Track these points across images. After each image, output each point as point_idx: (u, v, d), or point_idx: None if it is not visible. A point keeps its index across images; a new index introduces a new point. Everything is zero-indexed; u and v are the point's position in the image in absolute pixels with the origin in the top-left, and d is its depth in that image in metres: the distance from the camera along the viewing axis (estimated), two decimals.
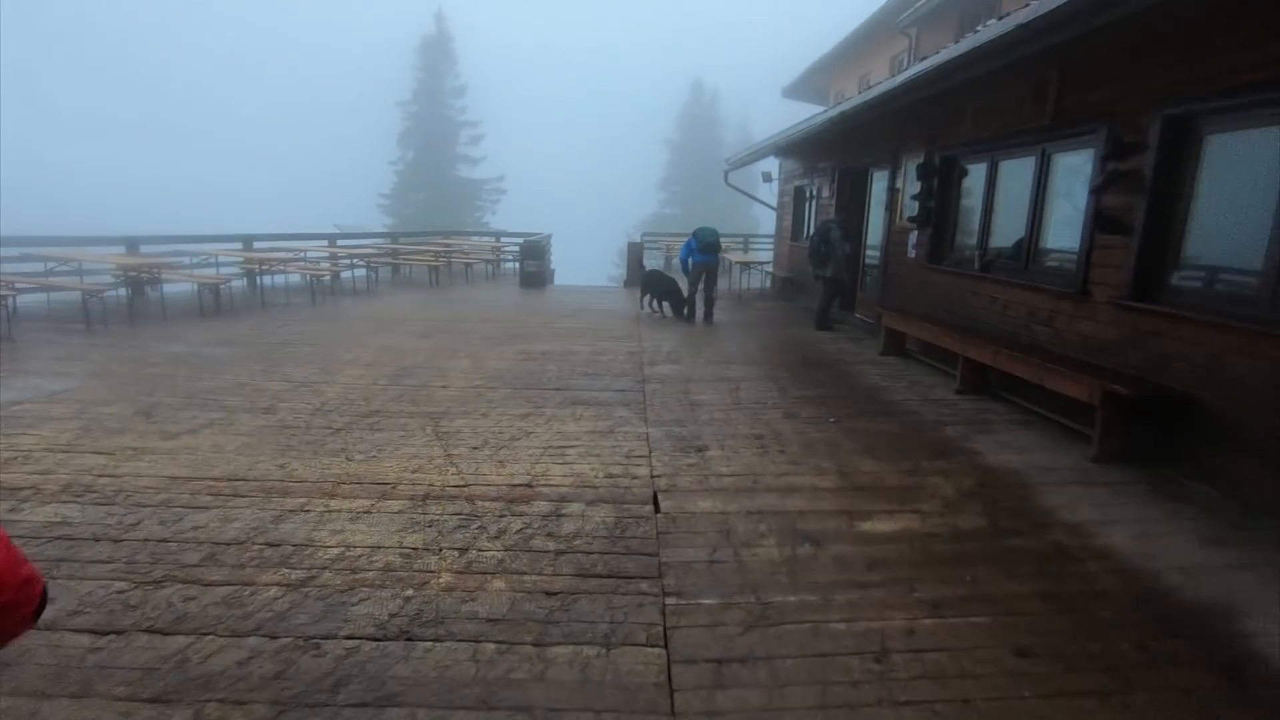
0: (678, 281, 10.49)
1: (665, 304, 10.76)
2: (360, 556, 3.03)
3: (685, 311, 10.24)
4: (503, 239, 18.71)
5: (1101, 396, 4.37)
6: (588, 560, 3.08)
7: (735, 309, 12.02)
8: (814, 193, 12.63)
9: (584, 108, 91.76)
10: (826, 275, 9.33)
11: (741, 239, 22.94)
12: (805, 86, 20.18)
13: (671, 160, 52.21)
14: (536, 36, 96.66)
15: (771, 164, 15.96)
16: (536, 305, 11.83)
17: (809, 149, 12.52)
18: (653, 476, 4.06)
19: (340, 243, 15.32)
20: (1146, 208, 4.56)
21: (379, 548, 3.11)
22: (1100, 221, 4.94)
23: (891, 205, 8.76)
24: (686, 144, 51.00)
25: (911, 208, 7.96)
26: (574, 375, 6.64)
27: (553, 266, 20.03)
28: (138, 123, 74.87)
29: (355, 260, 13.67)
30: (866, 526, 3.50)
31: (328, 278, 12.58)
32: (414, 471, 4.02)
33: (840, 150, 10.95)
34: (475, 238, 20.16)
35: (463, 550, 3.12)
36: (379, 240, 16.59)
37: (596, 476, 4.03)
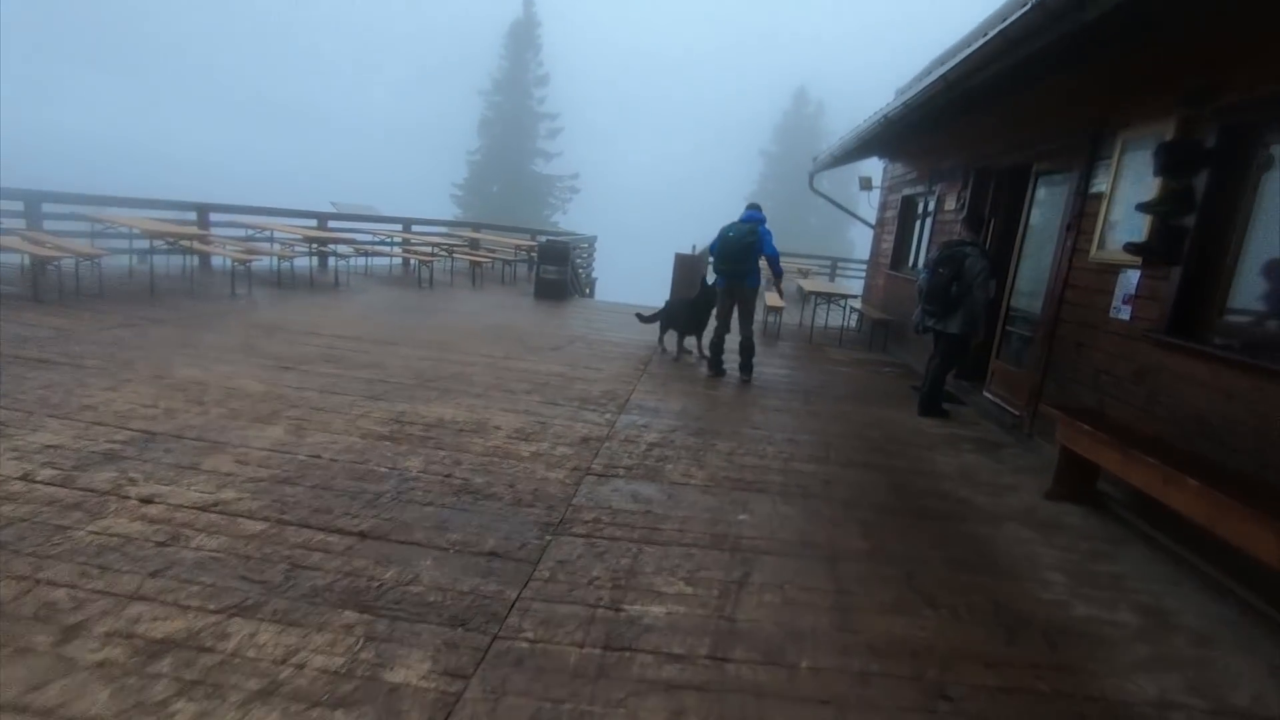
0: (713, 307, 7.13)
1: (691, 341, 7.62)
2: None
3: (708, 357, 6.95)
4: (540, 238, 15.68)
5: None
6: None
7: (801, 359, 8.46)
8: (930, 205, 8.93)
9: (675, 111, 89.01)
10: (951, 331, 5.71)
11: (828, 263, 19.12)
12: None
13: (765, 173, 48.57)
14: (630, 30, 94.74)
15: (875, 168, 12.28)
16: (521, 327, 8.67)
17: (925, 140, 8.83)
18: None
19: (331, 224, 12.70)
20: None
21: None
22: None
23: (1077, 224, 5.07)
24: (783, 156, 47.22)
25: (1132, 227, 4.29)
26: (429, 495, 3.38)
27: (594, 275, 16.97)
28: (226, 108, 77.44)
29: (334, 248, 10.96)
30: None
31: (288, 263, 9.89)
32: None
33: (979, 138, 7.25)
34: (514, 235, 17.28)
35: None
36: (393, 226, 13.98)
37: None
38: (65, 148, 52.85)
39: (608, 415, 5.00)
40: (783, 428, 5.20)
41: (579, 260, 15.48)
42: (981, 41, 4.33)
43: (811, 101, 49.52)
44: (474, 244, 16.06)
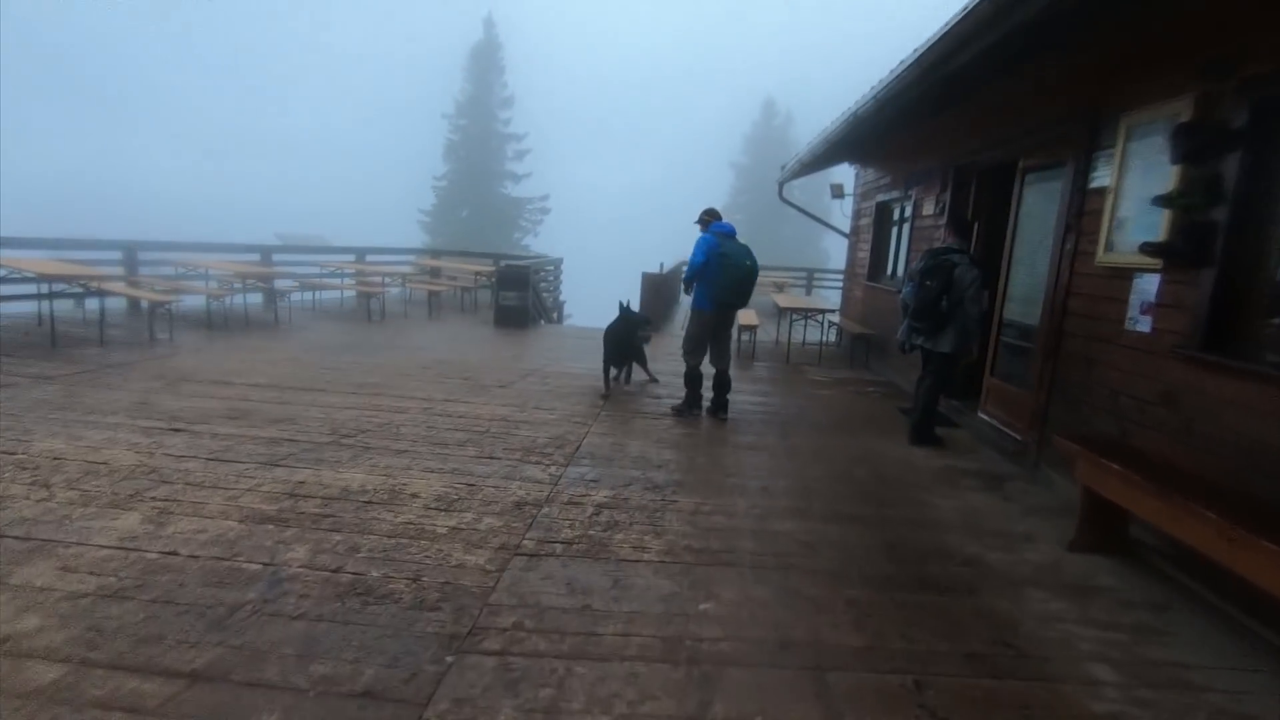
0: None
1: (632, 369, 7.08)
2: None
3: (684, 404, 5.93)
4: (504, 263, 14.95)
5: None
6: None
7: (777, 382, 7.81)
8: (907, 210, 8.38)
9: (643, 130, 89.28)
10: (943, 349, 5.08)
11: (804, 275, 18.61)
12: None
13: (736, 186, 48.38)
14: (593, 51, 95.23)
15: (846, 175, 11.77)
16: (472, 361, 7.95)
17: (899, 140, 8.29)
18: None
19: (277, 258, 11.91)
20: None
21: None
22: None
23: (1077, 224, 4.47)
24: (753, 167, 47.06)
25: (1147, 225, 3.68)
26: (304, 602, 2.64)
27: (563, 299, 16.30)
28: (189, 141, 76.27)
29: (274, 284, 10.17)
30: None
31: (221, 302, 9.09)
32: None
33: (958, 135, 6.70)
34: (477, 260, 16.52)
35: None
36: (344, 256, 13.21)
37: None
38: (15, 188, 51.33)
39: (552, 469, 4.28)
40: (757, 472, 4.51)
41: (545, 284, 14.80)
42: (963, 13, 3.73)
43: (780, 112, 49.53)
44: (435, 272, 15.37)
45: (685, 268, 5.76)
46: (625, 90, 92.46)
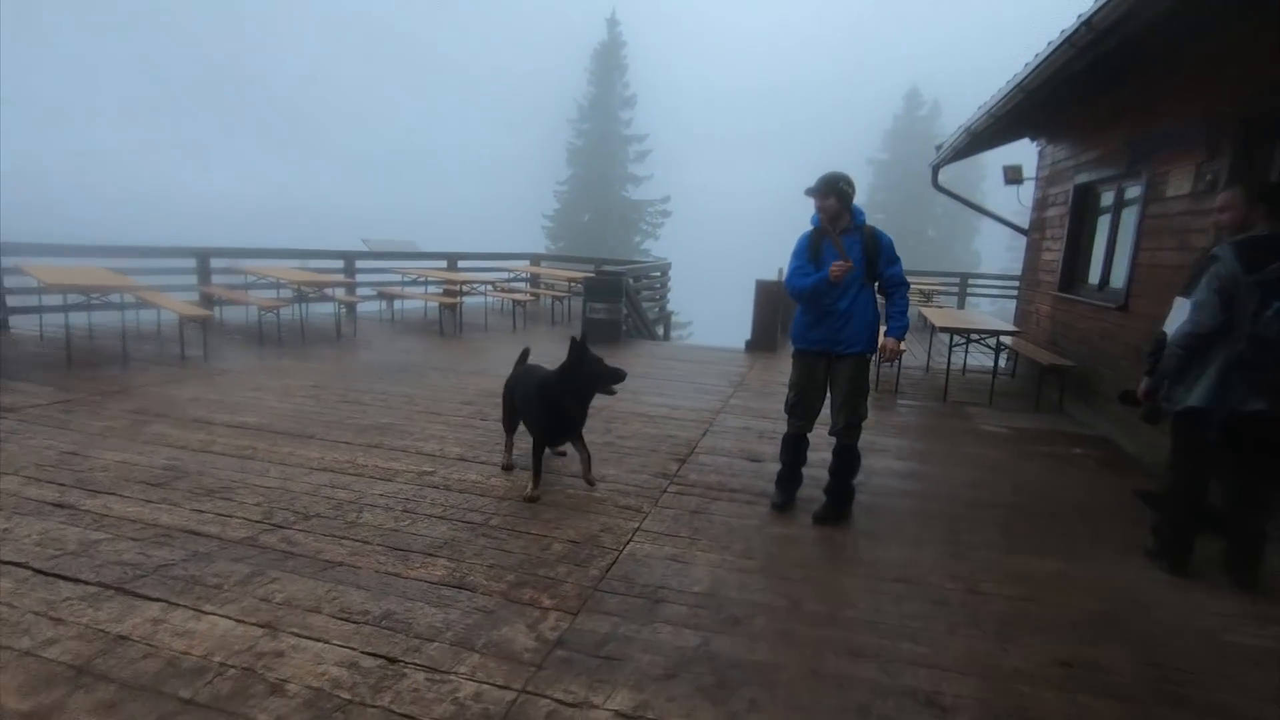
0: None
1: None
2: None
3: (778, 480, 3.83)
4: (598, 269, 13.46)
5: None
6: None
7: (931, 435, 5.61)
8: (1131, 193, 5.90)
9: (768, 126, 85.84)
10: (1257, 408, 2.82)
11: (955, 282, 15.72)
12: None
13: (875, 183, 44.60)
14: (715, 46, 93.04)
15: (1022, 155, 9.18)
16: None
17: (1115, 91, 5.84)
18: None
19: (360, 265, 11.10)
20: None
21: None
22: None
23: None
24: (894, 163, 43.21)
25: None
26: None
27: (672, 309, 14.59)
28: (305, 150, 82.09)
29: (333, 292, 9.24)
30: None
31: (275, 314, 8.21)
32: None
33: (1240, 67, 4.26)
34: (578, 266, 15.16)
35: None
36: (433, 263, 12.28)
37: None
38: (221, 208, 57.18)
39: (549, 626, 2.53)
40: (912, 649, 2.52)
41: (650, 292, 13.18)
42: None
43: (925, 102, 45.14)
44: (534, 279, 14.17)
45: (790, 287, 3.64)
46: (751, 87, 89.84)
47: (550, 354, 8.55)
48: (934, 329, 8.10)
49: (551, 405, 3.73)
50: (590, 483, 3.85)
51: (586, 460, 3.87)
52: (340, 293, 9.36)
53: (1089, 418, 6.03)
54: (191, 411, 4.99)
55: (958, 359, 7.84)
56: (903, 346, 3.61)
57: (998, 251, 42.44)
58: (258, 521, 3.23)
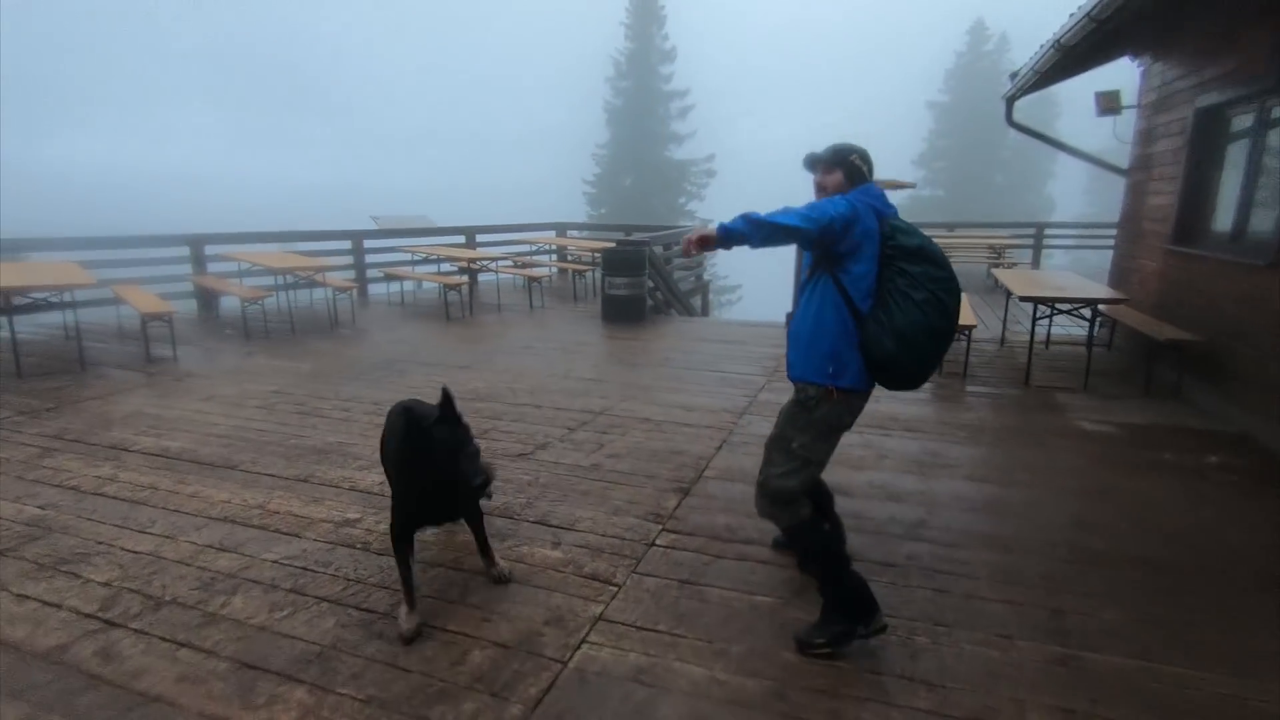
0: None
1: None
2: None
3: (835, 613, 2.29)
4: (636, 236, 12.37)
5: None
6: None
7: (1011, 437, 4.42)
8: None
9: (822, 80, 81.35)
10: None
11: (1030, 234, 13.96)
12: None
13: (935, 129, 41.51)
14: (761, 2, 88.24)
15: (1117, 79, 7.59)
16: (521, 391, 5.44)
17: None
18: None
19: (368, 244, 10.36)
20: None
21: None
22: None
23: None
24: (957, 106, 40.01)
25: None
26: None
27: (710, 277, 13.42)
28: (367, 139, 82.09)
29: (324, 277, 8.48)
30: None
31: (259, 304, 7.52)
32: None
33: None
34: (610, 235, 14.08)
35: None
36: (452, 238, 11.45)
37: None
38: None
39: None
40: None
41: (683, 262, 12.04)
42: None
43: (991, 36, 41.50)
44: (561, 253, 13.21)
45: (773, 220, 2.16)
46: (797, 27, 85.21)
47: (563, 339, 7.67)
48: (1009, 295, 6.77)
49: (420, 465, 2.34)
50: (497, 578, 2.64)
51: (482, 544, 2.65)
52: (335, 277, 8.59)
53: (1222, 407, 4.72)
54: (115, 434, 4.25)
55: (1041, 328, 6.52)
56: (705, 237, 2.14)
57: (1073, 196, 39.14)
58: (88, 615, 2.41)
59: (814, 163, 2.42)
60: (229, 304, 8.73)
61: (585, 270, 10.82)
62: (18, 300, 5.82)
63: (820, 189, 2.39)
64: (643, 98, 35.20)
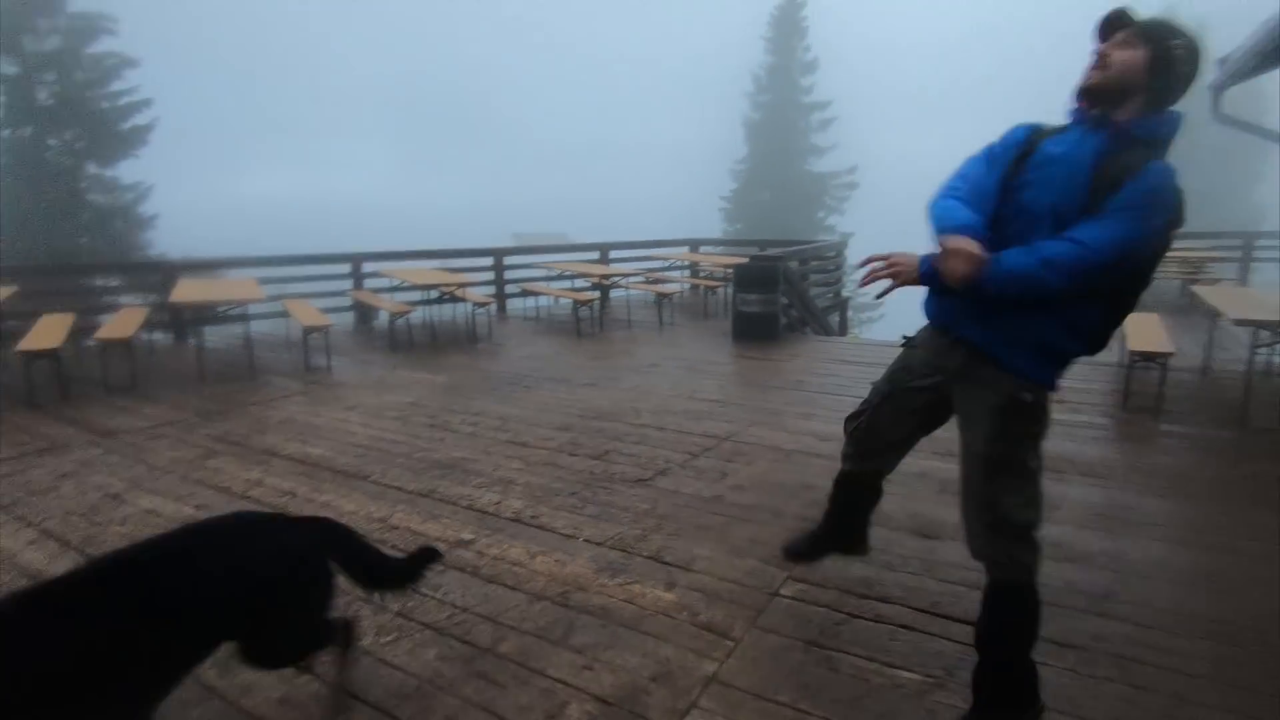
0: None
1: None
2: None
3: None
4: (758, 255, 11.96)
5: None
6: None
7: (1212, 489, 3.63)
8: None
9: (967, 88, 75.95)
10: None
11: (1238, 246, 12.02)
12: None
13: None
14: (902, 15, 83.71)
15: None
16: (643, 411, 5.27)
17: None
18: None
19: (507, 261, 10.77)
20: None
21: None
22: None
23: None
24: None
25: None
26: None
27: (846, 294, 12.74)
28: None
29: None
30: None
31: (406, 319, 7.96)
32: None
33: None
34: (743, 250, 13.76)
35: None
36: (583, 255, 11.66)
37: None
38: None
39: None
40: None
41: (822, 276, 11.51)
42: None
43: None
44: (694, 268, 13.07)
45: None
46: (943, 36, 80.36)
47: (691, 357, 7.45)
48: (1216, 317, 5.73)
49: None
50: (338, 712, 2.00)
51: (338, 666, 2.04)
52: (475, 293, 8.93)
53: None
54: (268, 439, 4.55)
55: (1260, 357, 5.44)
56: (965, 252, 1.61)
57: None
58: None
59: (1112, 24, 1.67)
60: (383, 317, 9.34)
61: (717, 286, 10.58)
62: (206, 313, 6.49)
63: (1101, 63, 1.66)
64: (783, 111, 34.57)
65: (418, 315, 8.57)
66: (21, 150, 13.81)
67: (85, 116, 14.27)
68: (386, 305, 7.88)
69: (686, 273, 13.13)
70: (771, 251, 9.49)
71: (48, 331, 5.73)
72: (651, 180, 79.04)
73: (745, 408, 5.25)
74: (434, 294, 8.44)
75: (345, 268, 9.47)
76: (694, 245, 13.82)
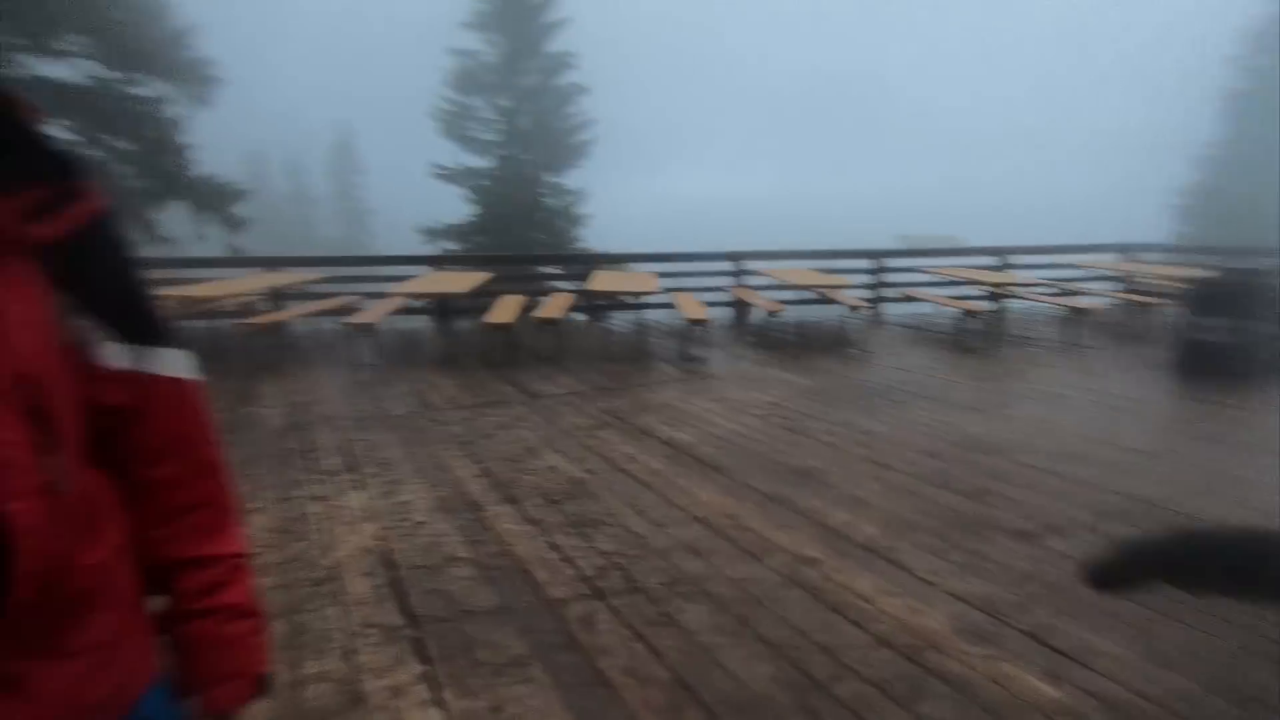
0: None
1: None
2: None
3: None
4: (1228, 269, 9.13)
5: None
6: None
7: None
8: None
9: None
10: None
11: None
12: None
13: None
14: None
15: None
16: (1059, 480, 4.39)
17: None
18: None
19: (889, 264, 10.23)
20: None
21: None
22: None
23: None
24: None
25: None
26: None
27: None
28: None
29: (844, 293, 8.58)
30: None
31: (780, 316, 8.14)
32: None
33: None
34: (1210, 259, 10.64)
35: None
36: (981, 260, 10.32)
37: None
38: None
39: None
40: None
41: None
42: None
43: None
44: (1127, 281, 10.66)
45: None
46: None
47: (1112, 390, 6.00)
48: None
49: None
50: None
51: None
52: (849, 295, 8.64)
53: None
54: (645, 419, 5.05)
55: None
56: None
57: None
58: (585, 579, 2.80)
59: None
60: (757, 314, 9.69)
61: (1152, 304, 8.44)
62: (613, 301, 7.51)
63: None
64: None
65: (790, 315, 8.66)
66: (506, 166, 17.87)
67: (547, 135, 17.81)
68: (762, 303, 8.12)
69: (1116, 285, 10.77)
70: (1250, 263, 7.20)
71: (505, 309, 7.26)
72: (1069, 173, 67.31)
73: (1187, 465, 4.05)
74: (808, 295, 8.42)
75: (728, 264, 10.05)
76: (1126, 252, 11.25)
